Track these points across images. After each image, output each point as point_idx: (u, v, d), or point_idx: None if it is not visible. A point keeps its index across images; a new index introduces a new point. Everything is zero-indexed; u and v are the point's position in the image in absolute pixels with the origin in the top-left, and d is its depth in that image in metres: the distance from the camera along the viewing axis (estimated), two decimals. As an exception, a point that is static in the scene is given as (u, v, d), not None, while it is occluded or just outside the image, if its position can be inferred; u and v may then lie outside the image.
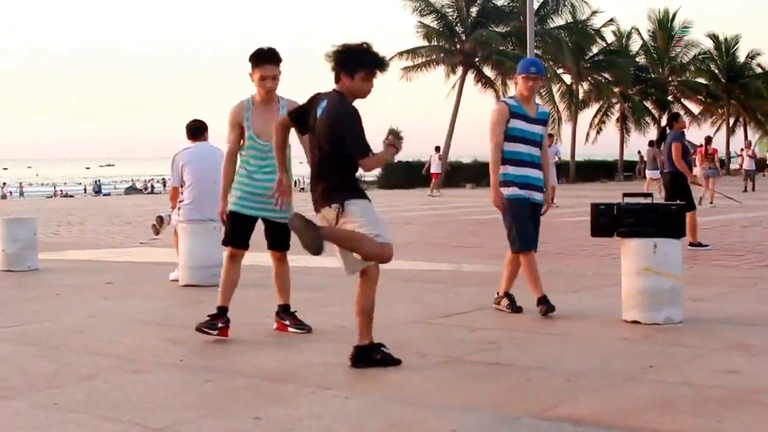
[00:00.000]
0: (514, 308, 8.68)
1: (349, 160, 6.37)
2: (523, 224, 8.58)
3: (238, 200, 7.90)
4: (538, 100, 9.12)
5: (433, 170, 42.09)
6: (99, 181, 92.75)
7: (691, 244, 14.35)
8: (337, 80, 6.44)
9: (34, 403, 5.71)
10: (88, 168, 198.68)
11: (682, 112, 68.25)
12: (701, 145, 31.02)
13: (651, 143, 38.14)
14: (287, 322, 8.06)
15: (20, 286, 11.60)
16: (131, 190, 79.79)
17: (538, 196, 8.73)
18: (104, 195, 68.90)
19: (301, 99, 6.90)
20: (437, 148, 44.04)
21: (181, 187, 11.61)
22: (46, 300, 10.23)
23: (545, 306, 8.41)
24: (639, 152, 64.12)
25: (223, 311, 7.74)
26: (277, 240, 8.13)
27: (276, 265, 8.24)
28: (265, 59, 7.65)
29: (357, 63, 6.38)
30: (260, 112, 7.81)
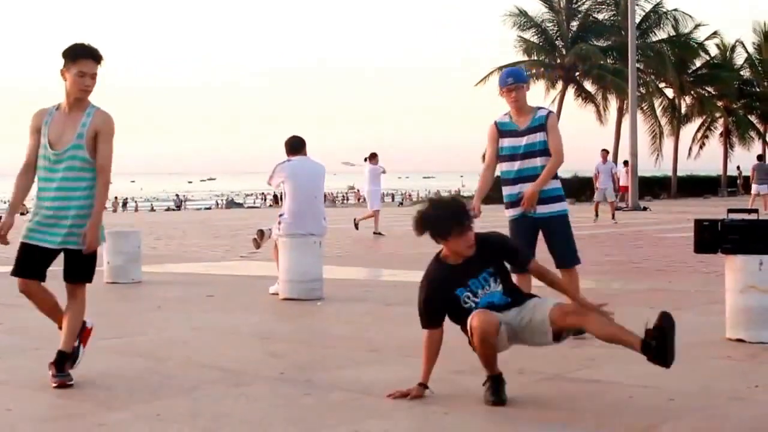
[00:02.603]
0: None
1: None
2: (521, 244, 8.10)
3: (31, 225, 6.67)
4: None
5: (622, 183, 42.09)
6: (180, 195, 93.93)
7: None
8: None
9: (138, 414, 5.81)
10: (190, 182, 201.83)
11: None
12: None
13: (760, 158, 37.32)
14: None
15: (124, 299, 11.81)
16: (231, 204, 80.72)
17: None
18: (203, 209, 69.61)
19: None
20: (625, 162, 44.81)
21: (281, 199, 11.71)
22: (149, 312, 10.40)
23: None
24: (738, 167, 62.99)
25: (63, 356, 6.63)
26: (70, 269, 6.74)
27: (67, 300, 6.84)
28: (86, 54, 6.63)
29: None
30: (63, 117, 6.67)
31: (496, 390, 5.92)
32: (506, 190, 8.35)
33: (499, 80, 8.45)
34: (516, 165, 8.29)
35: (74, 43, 6.73)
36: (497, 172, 8.59)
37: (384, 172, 24.66)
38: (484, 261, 6.05)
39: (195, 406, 6.01)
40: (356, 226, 23.40)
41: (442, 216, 5.98)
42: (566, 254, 8.26)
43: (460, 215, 5.96)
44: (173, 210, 68.56)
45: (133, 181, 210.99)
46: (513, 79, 8.31)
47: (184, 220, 35.02)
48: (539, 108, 8.52)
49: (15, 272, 6.65)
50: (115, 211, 68.01)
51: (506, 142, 8.33)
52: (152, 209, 73.09)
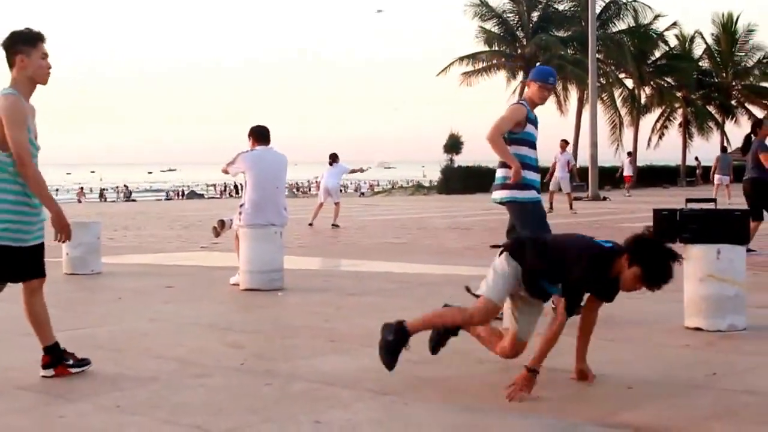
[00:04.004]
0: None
1: None
2: (547, 227, 8.55)
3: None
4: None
5: (625, 173, 46.58)
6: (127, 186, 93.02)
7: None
8: None
9: (98, 405, 5.78)
10: (150, 173, 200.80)
11: (745, 117, 67.57)
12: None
13: (724, 149, 37.66)
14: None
15: (84, 290, 11.72)
16: (192, 195, 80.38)
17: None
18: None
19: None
20: (629, 153, 49.04)
21: (242, 189, 11.67)
22: (108, 304, 10.34)
23: None
24: (696, 158, 63.53)
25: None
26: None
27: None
28: (42, 36, 6.32)
29: None
30: (29, 107, 6.37)
31: None
32: (531, 175, 8.72)
33: (541, 74, 8.88)
34: (534, 153, 8.82)
35: (18, 29, 6.33)
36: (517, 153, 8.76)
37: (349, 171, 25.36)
38: None
39: (155, 396, 5.99)
40: (336, 225, 23.29)
41: (668, 256, 5.73)
42: None
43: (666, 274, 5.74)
44: (122, 202, 67.81)
45: (93, 171, 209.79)
46: (554, 80, 8.90)
47: (144, 211, 34.82)
48: None
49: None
50: (80, 202, 67.50)
51: (530, 129, 8.75)
52: (104, 199, 72.70)
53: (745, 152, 15.52)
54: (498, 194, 8.76)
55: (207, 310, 9.79)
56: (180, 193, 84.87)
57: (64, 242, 6.47)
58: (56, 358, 6.55)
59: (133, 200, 69.44)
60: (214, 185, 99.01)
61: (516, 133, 8.63)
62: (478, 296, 6.19)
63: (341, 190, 26.57)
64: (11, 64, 6.30)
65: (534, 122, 8.76)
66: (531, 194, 8.66)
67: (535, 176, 8.74)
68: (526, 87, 9.00)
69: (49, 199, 6.30)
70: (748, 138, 15.57)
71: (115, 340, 8.03)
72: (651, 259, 5.67)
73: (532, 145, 8.76)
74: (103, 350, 7.53)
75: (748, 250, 14.41)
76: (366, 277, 12.55)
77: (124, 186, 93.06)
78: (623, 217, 23.73)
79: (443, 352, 6.63)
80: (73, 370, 6.57)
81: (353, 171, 26.10)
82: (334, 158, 24.35)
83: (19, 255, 6.26)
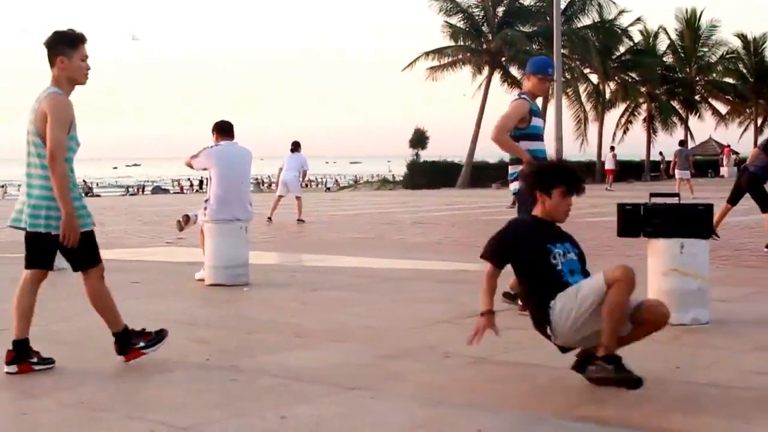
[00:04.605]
0: None
1: None
2: None
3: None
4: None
5: (607, 167, 48.61)
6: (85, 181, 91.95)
7: None
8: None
9: (61, 402, 5.74)
10: (115, 168, 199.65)
11: (709, 112, 68.15)
12: (728, 146, 31.22)
13: (682, 143, 37.98)
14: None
15: (48, 286, 11.49)
16: (157, 190, 79.95)
17: None
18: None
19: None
20: (612, 148, 50.65)
21: (206, 184, 11.63)
22: (71, 300, 10.23)
23: None
24: (660, 153, 63.98)
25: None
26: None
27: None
28: (84, 38, 6.55)
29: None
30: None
31: (629, 373, 5.67)
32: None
33: (539, 66, 8.92)
34: (543, 145, 8.89)
35: (61, 30, 6.57)
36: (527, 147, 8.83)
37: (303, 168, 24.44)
38: (566, 234, 6.20)
39: (119, 392, 5.97)
40: (301, 221, 23.08)
41: (569, 169, 6.26)
42: None
43: (578, 180, 6.21)
44: (87, 197, 67.07)
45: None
46: (552, 71, 8.93)
47: (109, 206, 34.62)
48: None
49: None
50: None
51: (536, 122, 8.79)
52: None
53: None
54: (515, 186, 8.85)
55: (172, 306, 9.75)
56: (141, 188, 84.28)
57: (68, 245, 6.53)
58: (21, 355, 6.51)
59: (97, 195, 68.99)
60: (178, 180, 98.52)
61: (523, 128, 8.69)
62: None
63: (306, 185, 26.06)
64: (52, 63, 6.51)
65: (537, 114, 8.86)
66: None
67: None
68: (525, 80, 9.05)
69: (67, 199, 6.41)
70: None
71: (78, 336, 7.99)
72: (553, 174, 6.16)
73: (540, 138, 8.84)
74: (67, 346, 7.49)
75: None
76: (332, 272, 12.54)
77: (83, 181, 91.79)
78: (585, 212, 23.80)
79: (412, 346, 6.65)
80: (37, 368, 6.53)
81: (304, 174, 24.99)
82: (296, 146, 23.62)
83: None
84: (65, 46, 6.47)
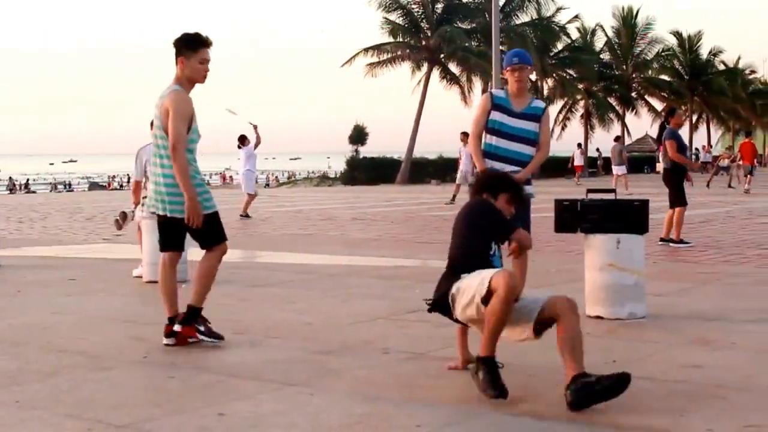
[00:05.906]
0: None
1: None
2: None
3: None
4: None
5: (576, 163, 49.52)
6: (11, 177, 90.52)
7: (671, 241, 14.54)
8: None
9: (-3, 401, 5.68)
10: (51, 164, 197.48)
11: (645, 109, 68.77)
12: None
13: (617, 139, 38.41)
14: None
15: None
16: (94, 186, 79.17)
17: None
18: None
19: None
20: (579, 145, 52.52)
21: (145, 181, 11.55)
22: (7, 297, 10.15)
23: None
24: (597, 149, 64.57)
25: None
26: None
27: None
28: (206, 42, 7.20)
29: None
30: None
31: (496, 379, 5.60)
32: (494, 164, 8.28)
33: (505, 60, 8.66)
34: (502, 143, 8.40)
35: (191, 33, 7.22)
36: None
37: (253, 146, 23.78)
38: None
39: (56, 391, 5.91)
40: (244, 216, 22.92)
41: (510, 179, 6.62)
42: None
43: (519, 188, 6.60)
44: (23, 194, 66.25)
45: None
46: (519, 59, 8.47)
47: (46, 203, 34.22)
48: (535, 98, 8.81)
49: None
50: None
51: (497, 116, 8.41)
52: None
53: (659, 142, 15.89)
54: None
55: (110, 303, 9.68)
56: (67, 185, 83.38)
57: (195, 227, 7.23)
58: (189, 319, 7.23)
59: (33, 191, 68.16)
60: (115, 176, 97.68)
61: (487, 123, 8.48)
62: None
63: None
64: (176, 63, 7.21)
65: (501, 108, 8.41)
66: None
67: (495, 164, 8.31)
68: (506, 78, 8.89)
69: (188, 185, 7.08)
70: (662, 127, 15.88)
71: (14, 334, 7.89)
72: (498, 182, 6.46)
73: (497, 133, 8.39)
74: (2, 344, 7.41)
75: (682, 242, 14.69)
76: (271, 268, 12.52)
77: (9, 178, 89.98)
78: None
79: (351, 342, 6.65)
80: (201, 338, 7.10)
81: (258, 140, 23.75)
82: (242, 140, 23.46)
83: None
84: (186, 49, 7.16)
